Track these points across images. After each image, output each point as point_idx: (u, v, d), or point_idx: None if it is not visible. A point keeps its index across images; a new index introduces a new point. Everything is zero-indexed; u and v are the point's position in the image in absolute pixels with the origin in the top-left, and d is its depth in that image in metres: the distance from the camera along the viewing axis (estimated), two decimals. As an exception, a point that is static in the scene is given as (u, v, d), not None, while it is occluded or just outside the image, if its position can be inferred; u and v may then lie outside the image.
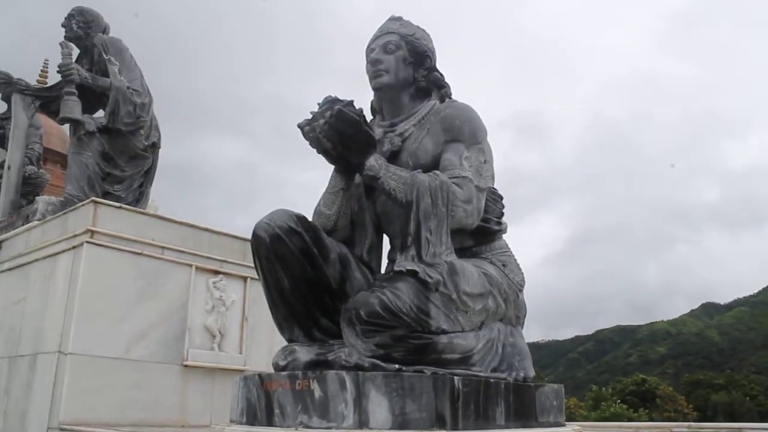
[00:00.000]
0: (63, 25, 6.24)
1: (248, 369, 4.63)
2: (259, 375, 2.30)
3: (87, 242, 4.02)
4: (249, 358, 4.75)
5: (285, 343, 2.53)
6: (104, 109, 6.08)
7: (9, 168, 6.01)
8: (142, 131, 5.92)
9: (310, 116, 2.47)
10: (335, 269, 2.52)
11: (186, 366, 4.38)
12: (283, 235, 2.40)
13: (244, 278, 4.84)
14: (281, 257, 2.41)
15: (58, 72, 5.70)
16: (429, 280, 2.25)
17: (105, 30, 6.36)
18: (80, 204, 4.29)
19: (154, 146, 6.12)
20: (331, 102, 2.42)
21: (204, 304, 4.58)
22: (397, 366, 2.11)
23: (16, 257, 4.88)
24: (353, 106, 2.42)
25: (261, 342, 4.86)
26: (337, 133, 2.40)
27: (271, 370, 2.40)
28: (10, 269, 4.94)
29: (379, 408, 1.95)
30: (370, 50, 2.97)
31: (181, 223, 4.59)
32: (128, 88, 5.82)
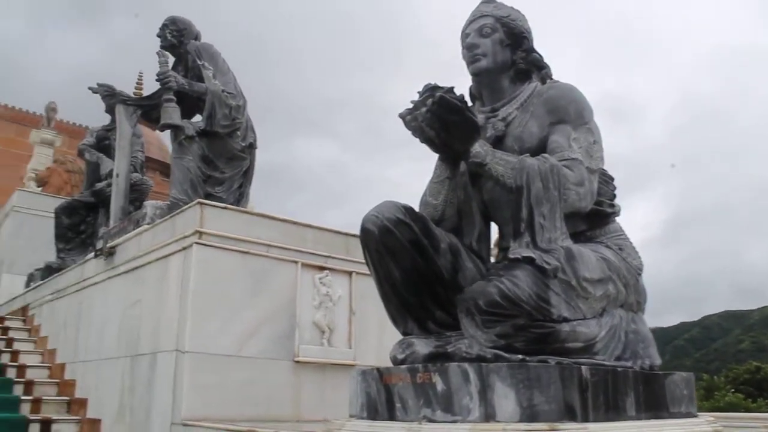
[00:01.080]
0: (158, 36, 6.47)
1: (358, 363, 4.66)
2: (378, 369, 2.28)
3: (196, 243, 4.14)
4: (358, 352, 4.77)
5: (394, 337, 2.51)
6: (201, 114, 6.28)
7: (117, 176, 6.31)
8: (238, 133, 6.06)
9: (411, 105, 2.42)
10: (446, 259, 2.47)
11: (297, 362, 4.45)
12: (392, 227, 2.37)
13: (349, 273, 4.87)
14: (391, 249, 2.38)
15: (156, 80, 5.92)
16: (547, 266, 2.17)
17: (197, 37, 6.56)
18: (186, 206, 4.43)
19: (251, 147, 6.26)
20: (431, 89, 2.36)
21: (311, 300, 4.64)
22: (521, 356, 2.04)
23: (130, 261, 5.09)
24: (454, 93, 2.35)
25: (370, 336, 4.87)
26: (440, 121, 2.34)
27: (382, 364, 2.38)
28: (125, 272, 5.16)
29: (506, 400, 1.88)
30: (464, 35, 2.89)
31: (284, 221, 4.66)
32: (223, 91, 5.97)
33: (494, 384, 1.91)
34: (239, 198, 6.25)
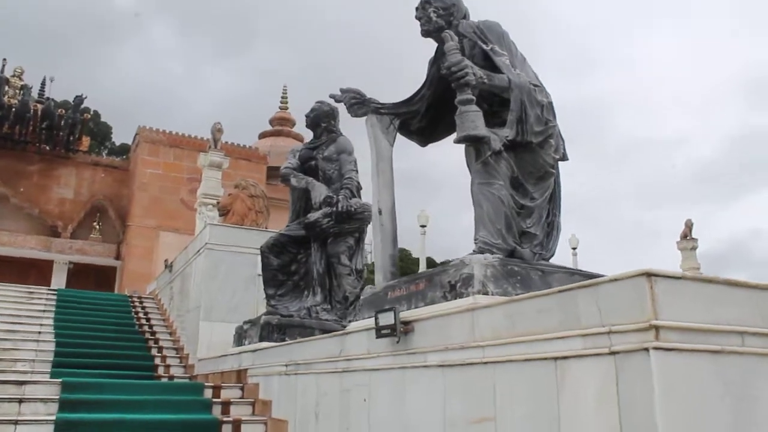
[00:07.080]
0: (417, 17, 4.75)
1: None
2: None
3: (654, 348, 2.29)
4: None
5: None
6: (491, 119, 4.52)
7: (380, 213, 4.58)
8: (551, 141, 4.22)
9: None
10: None
11: None
12: None
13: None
14: None
15: (444, 74, 4.13)
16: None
17: (466, 15, 4.79)
18: (608, 278, 2.56)
19: (563, 159, 4.41)
20: None
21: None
22: None
23: (451, 350, 3.32)
24: None
25: None
26: None
27: None
28: (440, 366, 3.41)
29: None
30: None
31: (755, 287, 2.70)
32: (529, 83, 4.16)
33: None
34: (549, 232, 4.41)
